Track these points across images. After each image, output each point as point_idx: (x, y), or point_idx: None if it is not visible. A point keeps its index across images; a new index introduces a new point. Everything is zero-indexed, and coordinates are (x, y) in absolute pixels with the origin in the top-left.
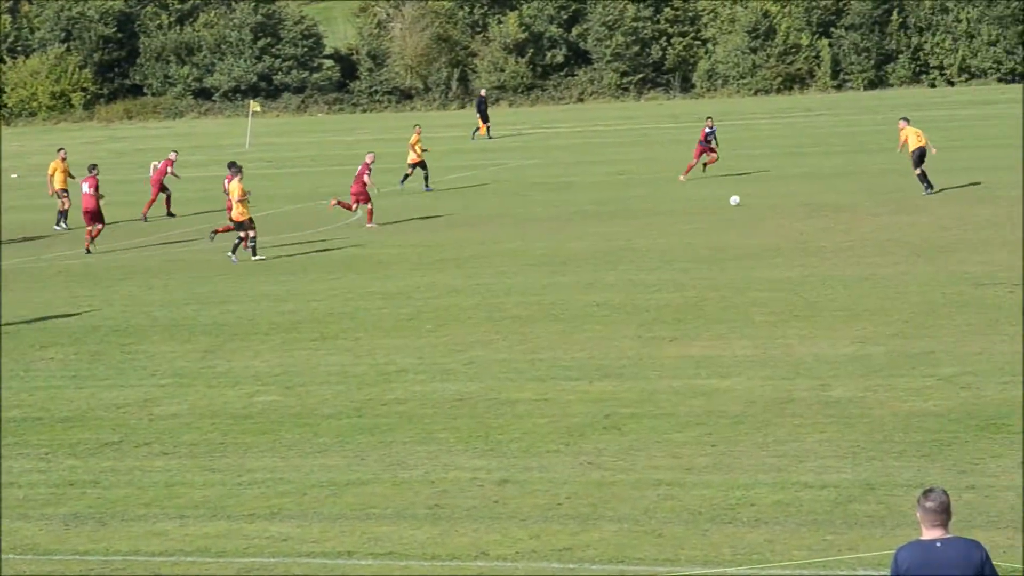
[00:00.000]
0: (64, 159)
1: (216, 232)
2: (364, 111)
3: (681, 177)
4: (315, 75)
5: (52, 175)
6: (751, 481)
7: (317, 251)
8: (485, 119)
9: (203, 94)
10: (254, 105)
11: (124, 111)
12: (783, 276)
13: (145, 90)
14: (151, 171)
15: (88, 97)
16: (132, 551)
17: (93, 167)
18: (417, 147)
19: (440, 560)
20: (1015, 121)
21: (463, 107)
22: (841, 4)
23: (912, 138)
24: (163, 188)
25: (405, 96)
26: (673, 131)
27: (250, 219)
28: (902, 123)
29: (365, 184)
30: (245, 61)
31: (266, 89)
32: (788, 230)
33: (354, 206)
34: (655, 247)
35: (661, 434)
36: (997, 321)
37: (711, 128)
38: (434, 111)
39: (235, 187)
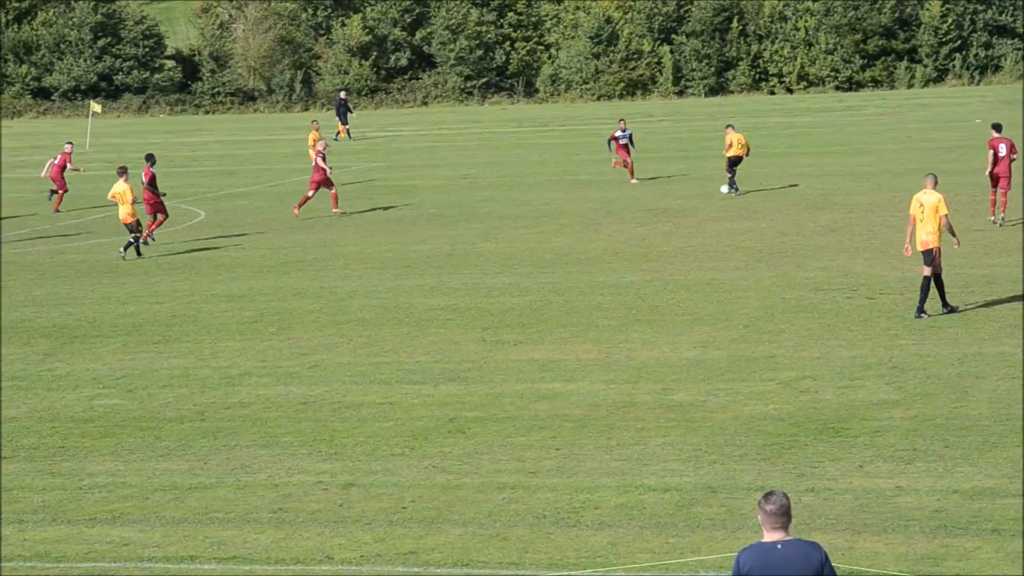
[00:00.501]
0: None
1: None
2: (207, 112)
3: (632, 181)
4: (156, 76)
5: None
6: (595, 484)
7: (159, 253)
8: (344, 121)
9: (42, 93)
10: (94, 105)
11: None
12: (625, 280)
13: None
14: (46, 169)
15: None
16: None
17: None
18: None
19: (284, 564)
20: (852, 128)
21: (306, 109)
22: (682, 11)
23: (735, 144)
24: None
25: (248, 98)
26: (517, 135)
27: (137, 221)
28: (728, 129)
29: (325, 171)
30: (85, 61)
31: (107, 89)
32: (630, 235)
33: (312, 193)
34: (498, 251)
35: (505, 437)
36: (835, 326)
37: (624, 130)
38: (277, 113)
39: (121, 189)
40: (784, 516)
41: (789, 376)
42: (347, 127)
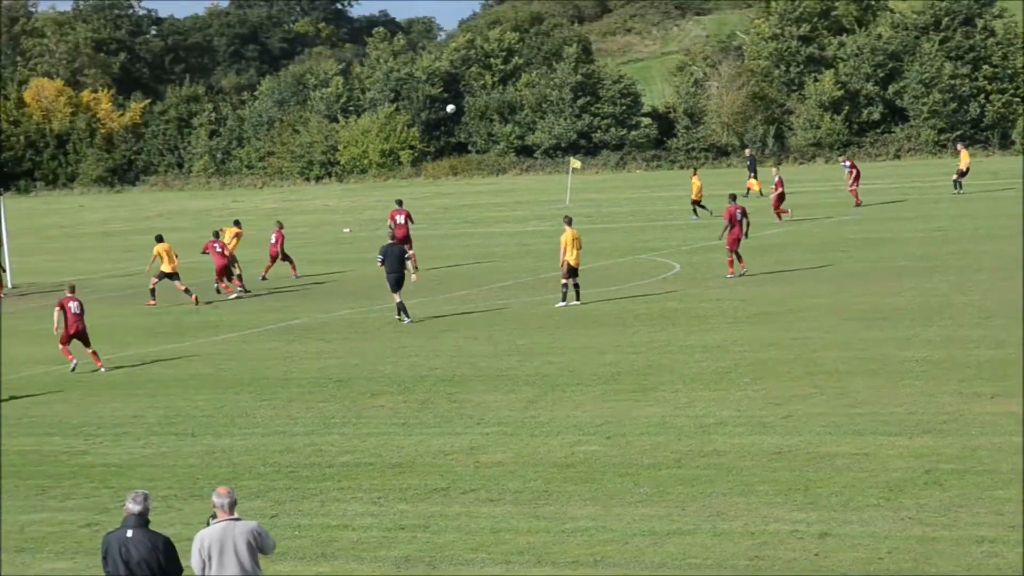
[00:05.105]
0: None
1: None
2: (681, 168)
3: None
4: (633, 132)
5: (160, 255)
6: None
7: (636, 304)
8: (754, 175)
9: (525, 151)
10: (574, 162)
11: (450, 168)
12: None
13: (469, 147)
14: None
15: (416, 154)
16: None
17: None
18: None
19: None
20: None
21: (779, 163)
22: None
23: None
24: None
25: (721, 153)
26: (992, 188)
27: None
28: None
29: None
30: (565, 119)
31: (585, 146)
32: None
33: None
34: (973, 303)
35: (983, 491)
36: None
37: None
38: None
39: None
40: None
41: None
42: (758, 181)
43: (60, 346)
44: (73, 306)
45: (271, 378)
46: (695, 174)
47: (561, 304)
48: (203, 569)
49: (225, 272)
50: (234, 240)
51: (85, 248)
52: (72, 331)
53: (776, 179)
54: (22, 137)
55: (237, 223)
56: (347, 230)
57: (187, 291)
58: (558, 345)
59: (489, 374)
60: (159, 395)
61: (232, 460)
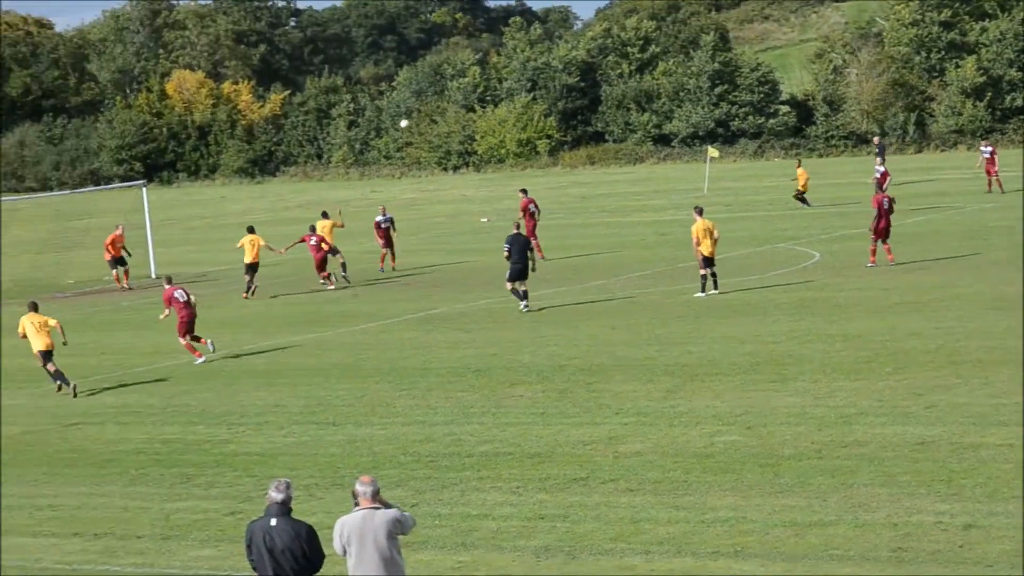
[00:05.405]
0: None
1: None
2: (820, 156)
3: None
4: (771, 121)
5: (243, 246)
6: None
7: (775, 293)
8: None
9: (662, 140)
10: (712, 151)
11: (587, 157)
12: None
13: (607, 136)
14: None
15: (553, 144)
16: None
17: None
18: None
19: None
20: None
21: (920, 151)
22: None
23: None
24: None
25: (861, 140)
26: None
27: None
28: None
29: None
30: (703, 108)
31: (723, 135)
32: None
33: None
34: None
35: None
36: None
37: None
38: (890, 156)
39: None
40: None
41: None
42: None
43: (181, 341)
44: (179, 294)
45: (410, 368)
46: (799, 165)
47: (700, 294)
48: (344, 554)
49: (322, 265)
50: (330, 233)
51: (227, 239)
52: (186, 319)
53: (881, 171)
54: (164, 129)
55: (325, 215)
56: (485, 219)
57: (250, 286)
58: (697, 334)
59: (627, 363)
60: (300, 384)
61: (373, 449)
